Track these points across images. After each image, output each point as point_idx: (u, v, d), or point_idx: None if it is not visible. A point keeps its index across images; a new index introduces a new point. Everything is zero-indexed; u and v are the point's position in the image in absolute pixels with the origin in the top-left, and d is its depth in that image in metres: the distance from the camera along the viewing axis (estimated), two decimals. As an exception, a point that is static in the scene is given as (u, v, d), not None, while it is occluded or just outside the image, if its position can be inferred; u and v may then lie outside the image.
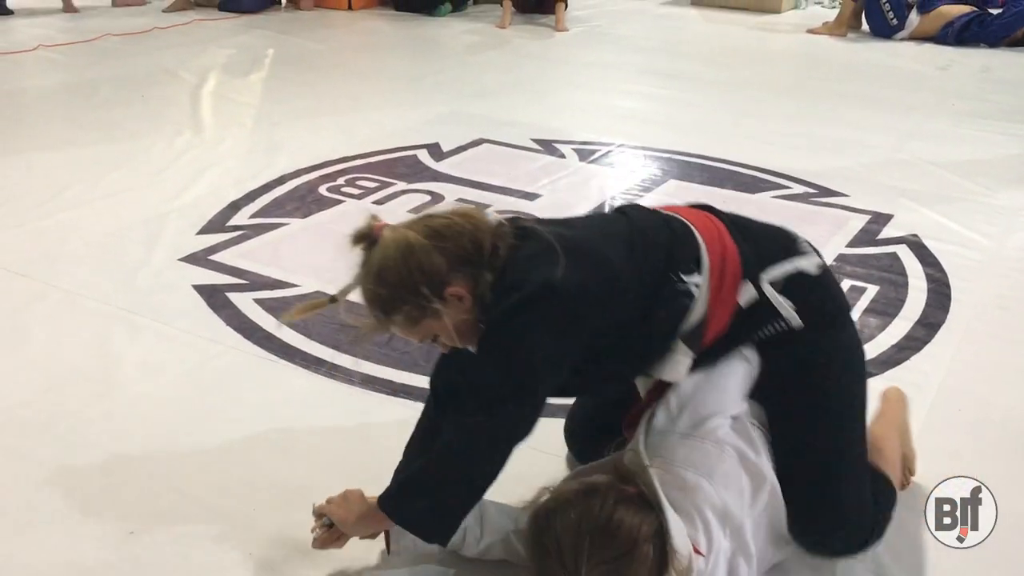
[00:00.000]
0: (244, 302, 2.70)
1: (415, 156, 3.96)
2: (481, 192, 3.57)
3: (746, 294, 1.58)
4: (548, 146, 4.13)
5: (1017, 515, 1.87)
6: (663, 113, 4.76)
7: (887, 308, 2.70)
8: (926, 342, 2.53)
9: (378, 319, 1.56)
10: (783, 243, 1.67)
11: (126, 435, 2.12)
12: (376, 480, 1.95)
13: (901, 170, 3.87)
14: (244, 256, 2.99)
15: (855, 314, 2.58)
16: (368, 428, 2.16)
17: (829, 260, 3.01)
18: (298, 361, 2.41)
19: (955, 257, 3.04)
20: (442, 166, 3.86)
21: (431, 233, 1.51)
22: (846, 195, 3.58)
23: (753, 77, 5.50)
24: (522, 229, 1.56)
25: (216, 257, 2.98)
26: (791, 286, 1.60)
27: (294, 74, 5.40)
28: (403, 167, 3.83)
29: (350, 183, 3.64)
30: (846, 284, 2.80)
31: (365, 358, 2.41)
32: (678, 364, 1.59)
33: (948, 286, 2.85)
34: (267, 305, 2.68)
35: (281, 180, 3.64)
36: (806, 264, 1.63)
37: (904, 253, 3.08)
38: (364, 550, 1.75)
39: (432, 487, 1.56)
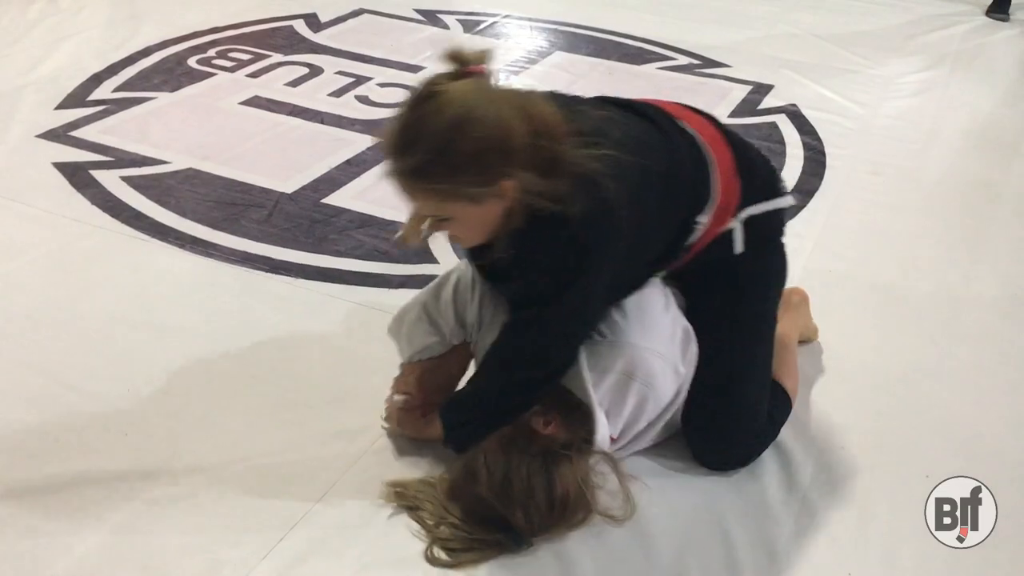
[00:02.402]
0: (110, 180, 2.55)
1: (291, 27, 3.77)
2: (362, 64, 3.43)
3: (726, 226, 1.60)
4: (431, 17, 3.98)
5: (884, 370, 1.98)
6: (550, -17, 4.64)
7: (766, 176, 2.74)
8: (801, 207, 2.59)
9: (410, 171, 1.30)
10: (771, 181, 1.67)
11: (-13, 320, 2.01)
12: (255, 358, 1.93)
13: (783, 41, 3.90)
14: (108, 132, 2.82)
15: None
16: (248, 306, 2.10)
17: (712, 130, 3.04)
18: (171, 240, 2.32)
19: (831, 126, 3.11)
20: (320, 37, 3.69)
21: (523, 113, 1.29)
22: (729, 66, 3.59)
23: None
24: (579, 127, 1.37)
25: (77, 133, 2.80)
26: (754, 218, 1.62)
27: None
28: (279, 38, 3.65)
29: (222, 55, 3.45)
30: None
31: (243, 236, 2.34)
32: (650, 285, 1.62)
33: (823, 154, 2.92)
34: (135, 183, 2.55)
35: (146, 52, 3.42)
36: (779, 204, 1.65)
37: (783, 122, 3.13)
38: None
39: (475, 400, 1.57)
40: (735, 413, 1.64)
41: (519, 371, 1.52)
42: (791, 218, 2.47)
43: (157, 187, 2.54)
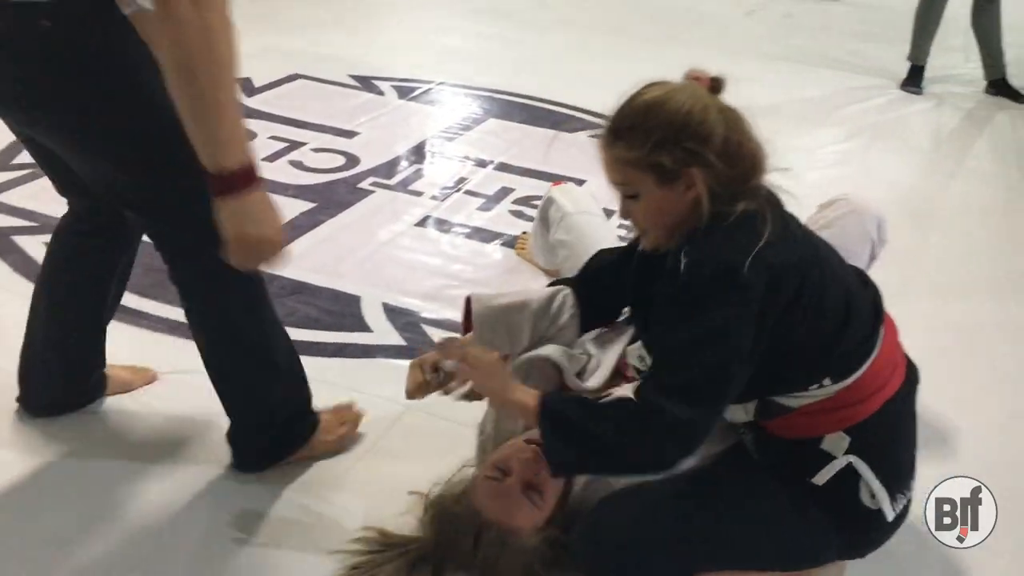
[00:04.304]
0: (33, 245, 2.50)
1: (225, 91, 3.76)
2: (296, 129, 3.44)
3: (831, 439, 1.44)
4: (366, 83, 4.02)
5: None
6: (485, 51, 4.73)
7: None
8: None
9: (611, 132, 1.41)
10: (895, 474, 1.48)
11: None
12: (189, 428, 1.88)
13: (710, 111, 4.02)
14: (34, 197, 2.76)
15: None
16: (178, 378, 2.06)
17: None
18: (97, 308, 2.26)
19: (758, 194, 3.19)
20: (254, 102, 3.69)
21: (732, 131, 1.41)
22: (659, 135, 3.67)
23: (575, 17, 5.53)
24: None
25: (0, 198, 2.74)
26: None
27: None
28: (212, 102, 3.63)
29: (154, 118, 3.42)
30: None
31: (173, 303, 2.29)
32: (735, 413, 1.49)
33: (751, 222, 2.99)
34: (61, 249, 2.49)
35: (75, 114, 3.38)
36: (877, 494, 1.46)
37: (712, 191, 3.20)
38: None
39: (586, 448, 1.37)
40: (639, 515, 1.45)
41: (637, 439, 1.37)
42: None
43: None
